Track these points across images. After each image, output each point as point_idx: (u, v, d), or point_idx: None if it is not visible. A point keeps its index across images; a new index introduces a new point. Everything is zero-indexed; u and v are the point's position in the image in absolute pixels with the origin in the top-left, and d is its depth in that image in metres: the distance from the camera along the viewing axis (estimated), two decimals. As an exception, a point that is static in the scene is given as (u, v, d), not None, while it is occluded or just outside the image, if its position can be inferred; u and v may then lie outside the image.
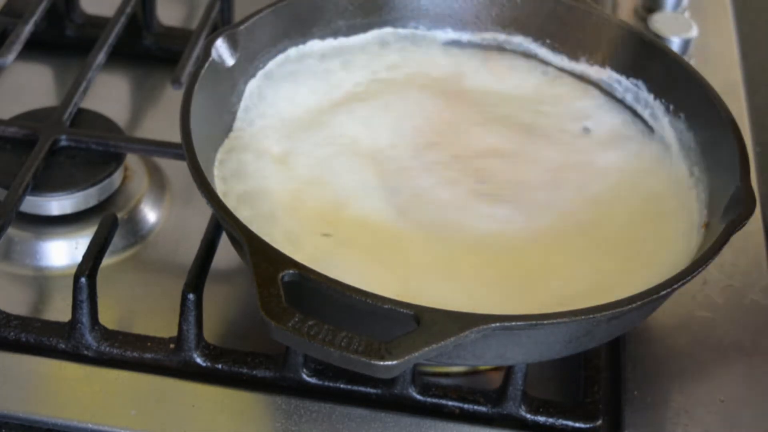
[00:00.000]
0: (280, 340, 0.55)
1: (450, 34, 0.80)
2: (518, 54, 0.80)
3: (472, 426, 0.66)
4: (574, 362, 0.69)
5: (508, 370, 0.65)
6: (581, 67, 0.79)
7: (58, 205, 0.76)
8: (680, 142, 0.74)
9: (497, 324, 0.56)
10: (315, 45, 0.77)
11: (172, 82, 0.81)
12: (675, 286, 0.60)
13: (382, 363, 0.54)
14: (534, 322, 0.57)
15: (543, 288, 0.66)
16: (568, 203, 0.71)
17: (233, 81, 0.73)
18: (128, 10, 0.88)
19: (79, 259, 0.68)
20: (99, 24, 0.89)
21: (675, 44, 0.90)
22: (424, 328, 0.55)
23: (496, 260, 0.67)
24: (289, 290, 0.56)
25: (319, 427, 0.65)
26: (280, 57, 0.76)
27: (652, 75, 0.76)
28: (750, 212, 0.64)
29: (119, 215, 0.74)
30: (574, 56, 0.79)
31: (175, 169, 0.81)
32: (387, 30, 0.80)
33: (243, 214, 0.64)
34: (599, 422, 0.66)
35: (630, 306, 0.59)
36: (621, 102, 0.77)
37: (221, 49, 0.71)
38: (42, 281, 0.75)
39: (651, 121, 0.76)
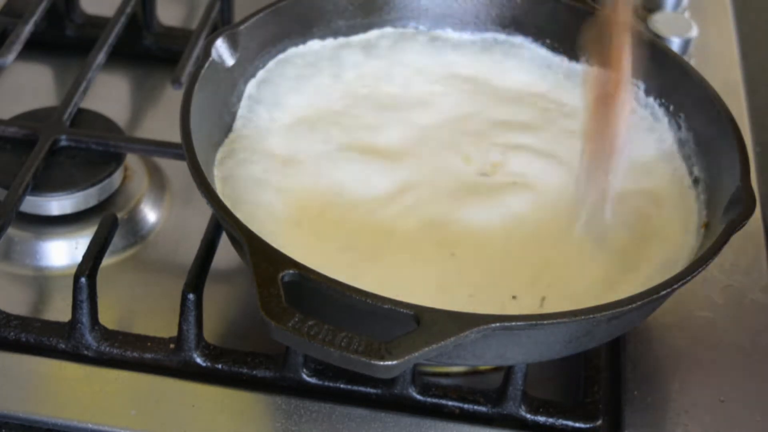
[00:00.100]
0: (280, 340, 0.55)
1: (450, 34, 0.80)
2: (518, 54, 0.80)
3: (472, 426, 0.66)
4: (574, 362, 0.69)
5: (508, 370, 0.65)
6: (581, 67, 0.79)
7: (58, 205, 0.76)
8: (680, 142, 0.74)
9: (497, 324, 0.56)
10: (315, 45, 0.78)
11: (172, 82, 0.81)
12: (675, 286, 0.60)
13: (382, 363, 0.54)
14: (534, 322, 0.57)
15: (545, 286, 0.66)
16: (567, 202, 0.71)
17: (233, 81, 0.73)
18: (128, 10, 0.88)
19: (79, 259, 0.68)
20: (99, 24, 0.89)
21: (675, 44, 0.90)
22: (424, 328, 0.55)
23: (501, 256, 0.67)
24: (289, 290, 0.56)
25: (319, 427, 0.65)
26: (280, 57, 0.76)
27: (651, 75, 0.76)
28: (750, 212, 0.64)
29: (119, 215, 0.74)
30: (574, 56, 0.79)
31: (175, 169, 0.81)
32: (387, 30, 0.80)
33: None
34: (599, 422, 0.66)
35: (630, 306, 0.59)
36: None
37: (221, 49, 0.71)
38: (42, 281, 0.75)
39: (651, 121, 0.76)
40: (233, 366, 0.67)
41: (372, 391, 0.67)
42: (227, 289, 0.74)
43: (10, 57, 0.82)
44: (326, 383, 0.67)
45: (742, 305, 0.73)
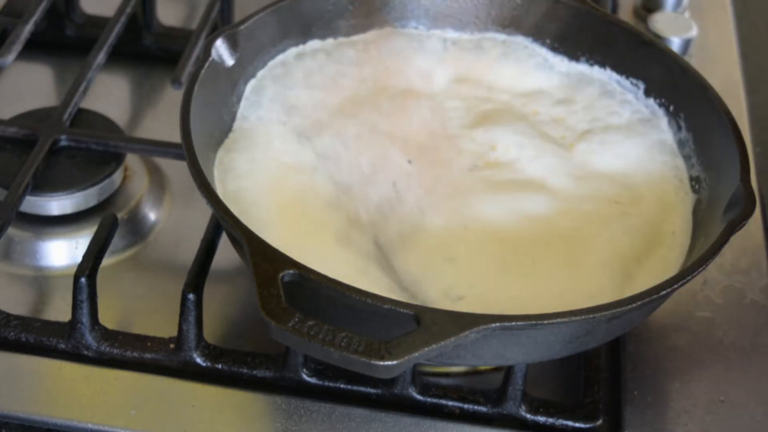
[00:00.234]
0: (280, 340, 0.55)
1: (450, 34, 0.80)
2: (518, 54, 0.80)
3: (472, 426, 0.66)
4: (574, 362, 0.69)
5: (508, 370, 0.65)
6: (581, 66, 0.79)
7: (58, 205, 0.76)
8: (680, 142, 0.74)
9: (497, 324, 0.56)
10: (315, 45, 0.78)
11: (172, 82, 0.81)
12: (675, 286, 0.60)
13: (382, 363, 0.54)
14: (534, 322, 0.57)
15: (546, 286, 0.66)
16: (567, 202, 0.71)
17: (233, 81, 0.73)
18: (128, 10, 0.88)
19: (79, 259, 0.68)
20: (99, 24, 0.89)
21: (675, 44, 0.90)
22: (424, 328, 0.55)
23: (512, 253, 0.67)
24: (289, 290, 0.56)
25: (319, 427, 0.65)
26: (280, 57, 0.76)
27: (652, 75, 0.76)
28: (750, 212, 0.64)
29: (119, 215, 0.75)
30: (574, 56, 0.79)
31: (175, 169, 0.81)
32: (387, 30, 0.80)
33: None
34: (599, 422, 0.66)
35: (630, 306, 0.59)
36: (621, 101, 0.77)
37: (221, 49, 0.71)
38: (42, 281, 0.75)
39: (651, 122, 0.76)
40: (233, 366, 0.67)
41: (372, 391, 0.67)
42: (227, 289, 0.74)
43: (10, 57, 0.82)
44: (326, 383, 0.67)
45: (742, 305, 0.73)
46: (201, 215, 0.73)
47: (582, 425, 0.66)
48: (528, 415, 0.66)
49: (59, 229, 0.76)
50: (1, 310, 0.69)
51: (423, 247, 0.67)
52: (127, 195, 0.79)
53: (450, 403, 0.66)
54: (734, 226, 0.63)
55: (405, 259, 0.67)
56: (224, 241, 0.68)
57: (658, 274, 0.65)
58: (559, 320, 0.57)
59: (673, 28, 0.91)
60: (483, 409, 0.66)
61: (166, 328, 0.68)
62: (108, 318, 0.69)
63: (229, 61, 0.72)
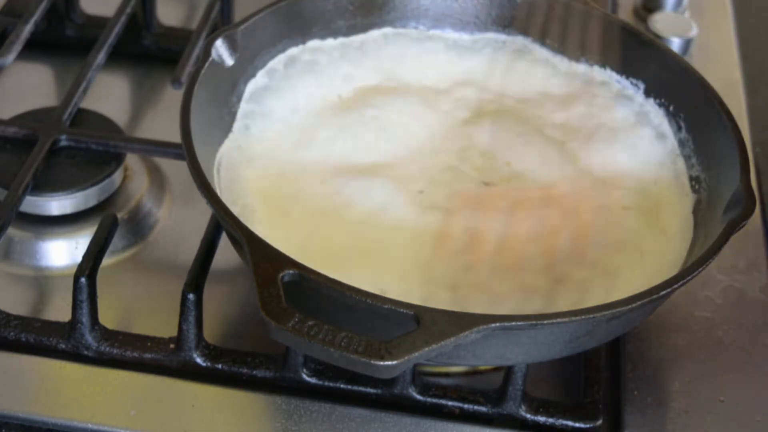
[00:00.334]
0: (280, 340, 0.55)
1: (450, 34, 0.80)
2: (518, 54, 0.80)
3: (472, 426, 0.66)
4: (574, 362, 0.69)
5: (508, 370, 0.65)
6: (581, 67, 0.79)
7: (58, 205, 0.76)
8: (680, 142, 0.74)
9: (497, 324, 0.56)
10: (315, 45, 0.77)
11: (172, 82, 0.81)
12: (675, 286, 0.60)
13: (382, 363, 0.54)
14: (534, 322, 0.57)
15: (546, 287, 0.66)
16: (566, 202, 0.71)
17: (233, 81, 0.73)
18: (128, 10, 0.88)
19: (79, 259, 0.68)
20: (99, 24, 0.89)
21: (675, 44, 0.90)
22: (424, 328, 0.55)
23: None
24: (289, 290, 0.56)
25: (319, 427, 0.65)
26: (280, 57, 0.76)
27: (652, 75, 0.76)
28: (750, 212, 0.64)
29: (119, 215, 0.75)
30: (574, 56, 0.79)
31: (175, 169, 0.81)
32: (387, 30, 0.80)
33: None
34: (599, 422, 0.66)
35: (630, 306, 0.59)
36: (620, 101, 0.77)
37: (221, 49, 0.71)
38: (42, 281, 0.75)
39: (650, 121, 0.76)
40: (233, 366, 0.67)
41: (372, 391, 0.67)
42: (227, 289, 0.74)
43: (10, 57, 0.82)
44: (326, 383, 0.67)
45: (742, 305, 0.73)
46: (201, 215, 0.73)
47: (582, 425, 0.66)
48: (528, 415, 0.66)
49: (59, 229, 0.76)
50: (1, 310, 0.69)
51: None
52: (127, 195, 0.79)
53: (450, 403, 0.66)
54: (734, 226, 0.63)
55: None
56: (224, 241, 0.68)
57: (657, 273, 0.65)
58: (559, 320, 0.57)
59: (673, 28, 0.91)
60: (483, 409, 0.66)
61: (166, 328, 0.68)
62: (108, 318, 0.69)
63: (229, 61, 0.72)
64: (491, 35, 0.80)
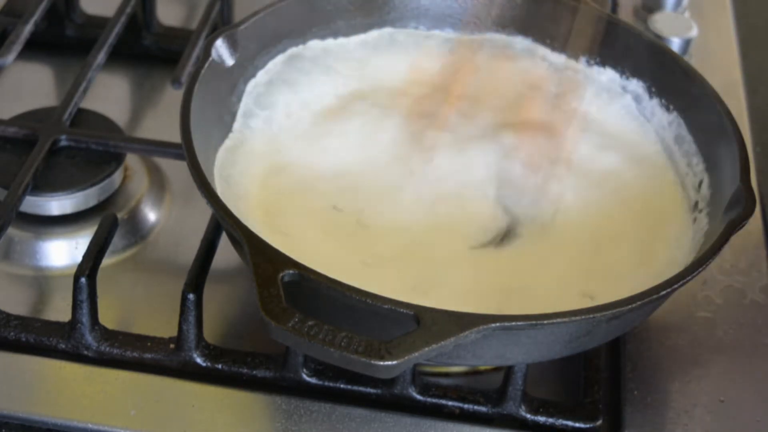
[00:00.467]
0: (280, 340, 0.55)
1: (450, 34, 0.80)
2: (518, 54, 0.80)
3: (472, 426, 0.66)
4: (574, 362, 0.69)
5: (508, 370, 0.65)
6: (581, 66, 0.79)
7: (58, 205, 0.76)
8: (680, 142, 0.74)
9: (497, 324, 0.56)
10: (315, 45, 0.77)
11: (172, 82, 0.81)
12: (675, 286, 0.60)
13: (382, 363, 0.54)
14: (534, 322, 0.57)
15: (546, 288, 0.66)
16: (566, 202, 0.71)
17: (233, 81, 0.73)
18: (128, 10, 0.88)
19: (79, 259, 0.68)
20: (99, 24, 0.89)
21: (675, 44, 0.90)
22: (424, 328, 0.55)
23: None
24: (289, 290, 0.56)
25: (319, 427, 0.65)
26: (280, 57, 0.76)
27: (651, 75, 0.76)
28: (750, 212, 0.64)
29: (119, 215, 0.74)
30: (574, 56, 0.79)
31: (175, 169, 0.81)
32: (387, 30, 0.80)
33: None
34: (599, 422, 0.66)
35: (630, 306, 0.59)
36: (620, 101, 0.77)
37: (221, 49, 0.71)
38: (42, 281, 0.75)
39: (650, 121, 0.76)
40: (233, 366, 0.67)
41: (372, 391, 0.67)
42: (227, 289, 0.74)
43: (10, 57, 0.82)
44: (326, 383, 0.67)
45: (742, 305, 0.73)
46: (201, 215, 0.73)
47: (582, 425, 0.66)
48: (528, 415, 0.66)
49: (59, 229, 0.76)
50: (1, 310, 0.69)
51: None
52: (127, 195, 0.79)
53: (450, 403, 0.66)
54: (734, 226, 0.63)
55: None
56: (224, 241, 0.68)
57: (657, 273, 0.65)
58: (559, 320, 0.57)
59: (673, 28, 0.91)
60: (483, 409, 0.66)
61: (166, 328, 0.68)
62: (108, 318, 0.69)
63: (229, 61, 0.72)
64: (491, 35, 0.80)
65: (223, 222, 0.61)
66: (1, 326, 0.69)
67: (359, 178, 0.72)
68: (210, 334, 0.69)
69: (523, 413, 0.66)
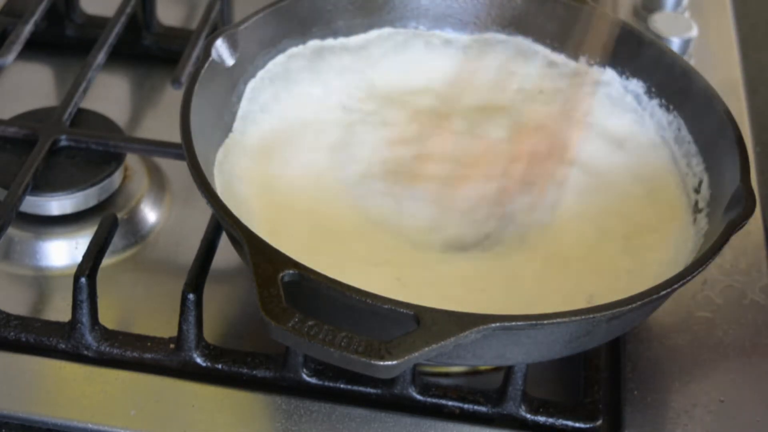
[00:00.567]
0: (280, 340, 0.55)
1: (450, 34, 0.80)
2: (519, 54, 0.80)
3: (472, 426, 0.66)
4: (574, 362, 0.69)
5: (508, 370, 0.65)
6: (581, 67, 0.79)
7: (58, 205, 0.76)
8: (680, 142, 0.74)
9: (497, 324, 0.56)
10: (315, 45, 0.77)
11: (172, 82, 0.81)
12: (675, 286, 0.60)
13: (382, 363, 0.54)
14: (534, 322, 0.57)
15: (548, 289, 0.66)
16: (567, 203, 0.71)
17: (233, 81, 0.73)
18: (128, 10, 0.88)
19: (79, 259, 0.68)
20: (99, 24, 0.89)
21: (675, 44, 0.90)
22: (424, 328, 0.55)
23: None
24: (289, 290, 0.56)
25: (319, 427, 0.65)
26: (280, 57, 0.76)
27: (651, 75, 0.76)
28: (750, 212, 0.64)
29: (119, 215, 0.74)
30: (574, 56, 0.79)
31: (175, 169, 0.81)
32: (387, 30, 0.80)
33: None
34: (599, 422, 0.66)
35: (630, 306, 0.59)
36: (621, 102, 0.77)
37: (221, 49, 0.71)
38: (42, 281, 0.75)
39: (650, 121, 0.76)
40: (233, 366, 0.67)
41: (372, 391, 0.67)
42: (227, 289, 0.74)
43: (10, 57, 0.82)
44: (326, 383, 0.67)
45: (742, 305, 0.73)
46: (201, 215, 0.73)
47: (582, 425, 0.66)
48: (528, 415, 0.66)
49: (59, 229, 0.76)
50: (1, 310, 0.69)
51: None
52: (127, 195, 0.79)
53: (450, 403, 0.66)
54: (734, 226, 0.63)
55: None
56: (224, 241, 0.68)
57: (657, 273, 0.65)
58: (559, 320, 0.57)
59: (673, 28, 0.90)
60: (483, 409, 0.66)
61: (166, 328, 0.68)
62: (108, 318, 0.69)
63: (229, 61, 0.72)
64: (491, 35, 0.80)
65: (223, 222, 0.61)
66: (1, 326, 0.69)
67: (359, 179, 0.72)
68: (210, 334, 0.69)
69: (523, 413, 0.66)
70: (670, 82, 0.75)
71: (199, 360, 0.67)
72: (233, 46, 0.72)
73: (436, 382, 0.67)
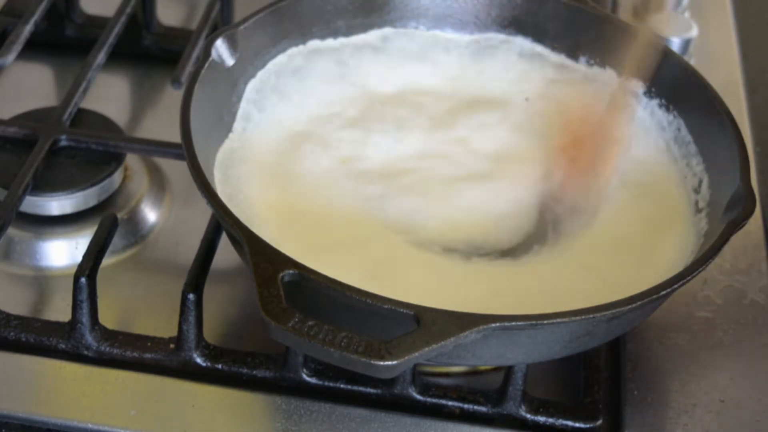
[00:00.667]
0: (280, 340, 0.55)
1: (450, 34, 0.80)
2: (519, 54, 0.80)
3: (472, 426, 0.66)
4: (574, 362, 0.69)
5: (508, 370, 0.65)
6: (581, 67, 0.79)
7: (58, 205, 0.76)
8: (680, 143, 0.74)
9: (497, 324, 0.56)
10: (315, 45, 0.77)
11: (172, 82, 0.81)
12: (675, 286, 0.60)
13: (382, 363, 0.54)
14: (534, 322, 0.57)
15: (549, 288, 0.66)
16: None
17: (233, 81, 0.73)
18: (128, 10, 0.88)
19: (79, 259, 0.68)
20: (99, 24, 0.89)
21: (675, 44, 0.90)
22: (424, 328, 0.55)
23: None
24: (289, 290, 0.56)
25: (319, 427, 0.65)
26: (280, 57, 0.76)
27: (651, 75, 0.76)
28: (750, 212, 0.64)
29: (119, 215, 0.75)
30: (574, 56, 0.79)
31: (175, 169, 0.81)
32: (387, 30, 0.79)
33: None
34: (599, 422, 0.66)
35: (630, 306, 0.59)
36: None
37: (221, 49, 0.71)
38: (42, 281, 0.75)
39: (650, 121, 0.76)
40: (233, 366, 0.67)
41: (372, 391, 0.67)
42: (227, 289, 0.74)
43: (10, 57, 0.82)
44: (326, 383, 0.67)
45: (742, 305, 0.73)
46: (201, 215, 0.73)
47: (582, 425, 0.66)
48: (528, 415, 0.66)
49: (59, 229, 0.76)
50: (1, 310, 0.69)
51: None
52: (127, 195, 0.79)
53: (450, 403, 0.66)
54: (734, 226, 0.63)
55: None
56: (224, 241, 0.68)
57: (657, 273, 0.65)
58: (559, 320, 0.57)
59: (673, 28, 0.90)
60: (483, 409, 0.66)
61: (166, 328, 0.68)
62: (108, 318, 0.69)
63: (229, 61, 0.72)
64: (491, 35, 0.80)
65: (223, 222, 0.61)
66: (1, 326, 0.69)
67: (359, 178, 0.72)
68: (210, 334, 0.69)
69: (523, 413, 0.66)
70: (670, 82, 0.75)
71: (199, 360, 0.67)
72: (233, 46, 0.72)
73: (436, 382, 0.67)
